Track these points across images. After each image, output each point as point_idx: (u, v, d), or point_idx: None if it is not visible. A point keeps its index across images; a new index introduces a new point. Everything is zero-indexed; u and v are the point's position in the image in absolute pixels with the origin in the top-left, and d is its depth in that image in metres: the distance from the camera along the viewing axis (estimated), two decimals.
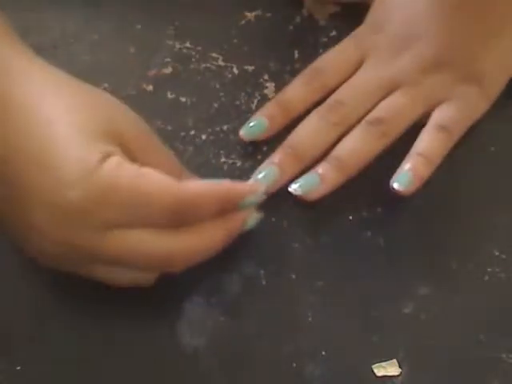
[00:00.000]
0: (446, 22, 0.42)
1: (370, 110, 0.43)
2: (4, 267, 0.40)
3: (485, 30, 0.43)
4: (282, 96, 0.44)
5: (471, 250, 0.41)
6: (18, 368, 0.37)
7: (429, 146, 0.42)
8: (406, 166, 0.41)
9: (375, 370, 0.38)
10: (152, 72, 0.45)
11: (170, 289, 0.39)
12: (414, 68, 0.43)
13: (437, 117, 0.43)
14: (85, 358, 0.37)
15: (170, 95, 0.45)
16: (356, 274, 0.40)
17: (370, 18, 0.45)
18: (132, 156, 0.35)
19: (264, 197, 0.39)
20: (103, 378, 0.37)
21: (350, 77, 0.44)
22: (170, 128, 0.44)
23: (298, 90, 0.44)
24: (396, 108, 0.42)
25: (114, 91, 0.43)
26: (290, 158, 0.42)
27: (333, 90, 0.43)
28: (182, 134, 0.44)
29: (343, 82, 0.44)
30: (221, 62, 0.46)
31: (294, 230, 0.41)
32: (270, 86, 0.45)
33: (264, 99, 0.45)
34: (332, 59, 0.45)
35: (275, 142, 0.43)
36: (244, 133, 0.43)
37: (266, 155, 0.43)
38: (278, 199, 0.42)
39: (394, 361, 0.38)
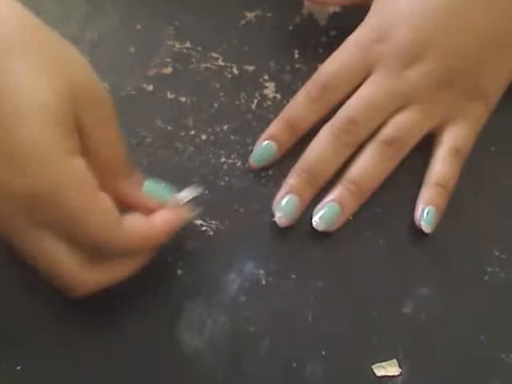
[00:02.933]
0: (457, 36, 0.42)
1: (380, 126, 0.42)
2: (4, 267, 0.40)
3: (493, 46, 0.42)
4: (288, 114, 0.42)
5: (471, 250, 0.41)
6: (18, 368, 0.37)
7: (445, 173, 0.41)
8: (427, 200, 0.41)
9: (375, 370, 0.38)
10: (152, 72, 0.45)
11: (170, 289, 0.39)
12: (427, 84, 0.42)
13: (450, 139, 0.42)
14: (85, 358, 0.37)
15: (169, 95, 0.45)
16: (356, 274, 0.40)
17: (373, 20, 0.43)
18: (82, 125, 0.34)
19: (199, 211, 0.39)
20: (103, 378, 0.37)
21: (355, 89, 0.42)
22: (169, 128, 0.44)
23: (304, 108, 0.42)
24: (409, 126, 0.42)
25: (114, 91, 0.44)
26: (306, 183, 0.41)
27: (340, 103, 0.42)
28: (182, 134, 0.44)
29: (349, 95, 0.42)
30: (221, 62, 0.46)
31: (293, 230, 0.41)
32: (270, 85, 0.45)
33: (264, 99, 0.45)
34: (337, 72, 0.42)
35: None
36: (254, 160, 0.42)
37: None
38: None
39: (394, 361, 0.38)
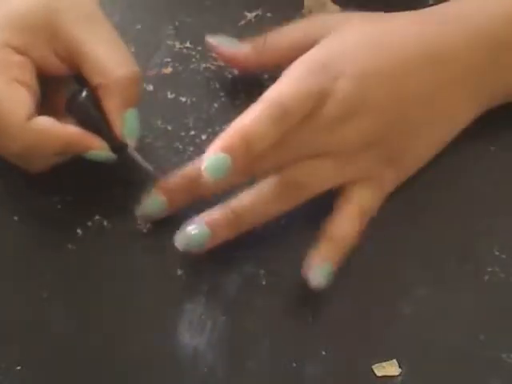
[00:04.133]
0: (393, 100, 0.40)
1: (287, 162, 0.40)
2: (4, 267, 0.40)
3: (425, 117, 0.41)
4: (249, 137, 0.38)
5: (471, 250, 0.41)
6: (18, 368, 0.37)
7: (344, 229, 0.40)
8: (319, 254, 0.39)
9: (375, 370, 0.38)
10: (152, 72, 0.45)
11: (170, 289, 0.39)
12: (354, 142, 0.40)
13: (359, 198, 0.40)
14: (85, 358, 0.37)
15: (169, 95, 0.45)
16: (356, 274, 0.40)
17: (325, 50, 0.41)
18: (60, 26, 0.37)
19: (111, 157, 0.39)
20: (103, 378, 0.37)
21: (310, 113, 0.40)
22: (169, 128, 0.44)
23: (266, 131, 0.38)
24: (320, 175, 0.40)
25: None
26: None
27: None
28: (182, 133, 0.44)
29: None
30: (221, 62, 0.46)
31: (293, 230, 0.41)
32: (270, 85, 0.45)
33: None
34: (298, 98, 0.39)
35: None
36: (208, 171, 0.37)
37: None
38: None
39: (394, 361, 0.38)
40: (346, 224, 0.40)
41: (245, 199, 0.39)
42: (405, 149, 0.41)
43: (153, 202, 0.40)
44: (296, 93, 0.39)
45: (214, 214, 0.39)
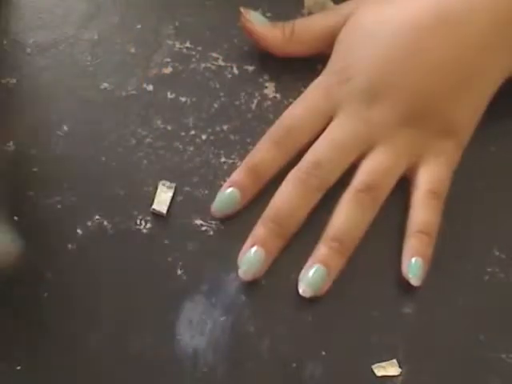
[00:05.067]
0: (419, 74, 0.41)
1: (347, 169, 0.41)
2: (4, 267, 0.40)
3: (455, 80, 0.41)
4: (251, 160, 0.41)
5: (471, 250, 0.41)
6: (18, 368, 0.37)
7: (426, 218, 0.40)
8: (412, 250, 0.39)
9: (375, 370, 0.38)
10: (152, 72, 0.45)
11: (170, 289, 0.39)
12: (389, 122, 0.41)
13: (425, 182, 0.41)
14: (85, 358, 0.37)
15: (169, 95, 0.45)
16: (356, 274, 0.40)
17: (334, 67, 0.43)
18: None
19: None
20: (103, 377, 0.37)
21: (320, 132, 0.41)
22: (169, 128, 0.44)
23: (267, 153, 0.41)
24: (381, 169, 0.40)
25: (114, 91, 0.44)
26: (272, 234, 0.39)
27: (305, 148, 0.41)
28: (182, 133, 0.44)
29: (315, 139, 0.41)
30: (221, 62, 0.46)
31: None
32: (270, 85, 0.45)
33: (264, 99, 0.45)
34: (300, 115, 0.42)
35: None
36: (216, 209, 0.40)
37: None
38: None
39: (394, 361, 0.38)
40: (423, 212, 0.40)
41: (339, 226, 0.40)
42: (449, 116, 0.41)
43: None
44: (297, 111, 0.42)
45: (319, 250, 0.39)
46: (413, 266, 0.39)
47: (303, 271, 0.39)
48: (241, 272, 0.39)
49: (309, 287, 0.38)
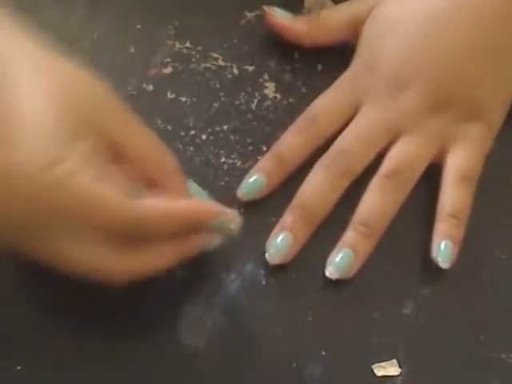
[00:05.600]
0: (444, 59, 0.41)
1: (375, 157, 0.41)
2: (4, 267, 0.40)
3: (480, 65, 0.41)
4: (277, 149, 0.42)
5: (471, 250, 0.41)
6: (18, 368, 0.37)
7: (457, 202, 0.40)
8: (442, 234, 0.40)
9: (375, 370, 0.38)
10: (152, 72, 0.45)
11: (170, 289, 0.39)
12: (416, 109, 0.41)
13: (455, 165, 0.41)
14: (85, 358, 0.37)
15: (169, 95, 0.45)
16: (356, 274, 0.40)
17: (360, 58, 0.43)
18: (112, 142, 0.34)
19: (238, 226, 0.37)
20: (103, 377, 0.37)
21: (346, 122, 0.42)
22: (169, 128, 0.44)
23: (293, 141, 0.42)
24: (408, 155, 0.41)
25: (113, 91, 0.44)
26: (301, 221, 0.40)
27: (330, 139, 0.42)
28: (182, 133, 0.44)
29: (340, 129, 0.42)
30: (221, 62, 0.46)
31: None
32: (270, 85, 0.45)
33: (264, 99, 0.45)
34: (327, 106, 0.43)
35: (275, 141, 0.43)
36: (242, 193, 0.41)
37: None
38: (277, 199, 0.42)
39: (394, 361, 0.38)
40: (453, 196, 0.41)
41: (366, 211, 0.40)
42: (476, 100, 0.42)
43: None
44: (323, 101, 0.43)
45: (347, 234, 0.40)
46: (442, 250, 0.39)
47: (331, 255, 0.40)
48: (268, 256, 0.39)
49: (336, 270, 0.39)
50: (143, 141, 0.36)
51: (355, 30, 0.44)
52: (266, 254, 0.39)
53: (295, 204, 0.41)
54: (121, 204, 0.33)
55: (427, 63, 0.41)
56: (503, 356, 0.38)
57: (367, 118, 0.42)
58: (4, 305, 0.39)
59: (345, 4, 0.46)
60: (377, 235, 0.40)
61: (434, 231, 0.40)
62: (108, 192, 0.33)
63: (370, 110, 0.42)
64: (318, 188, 0.40)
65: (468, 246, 0.41)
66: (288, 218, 0.40)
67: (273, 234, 0.40)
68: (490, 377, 0.38)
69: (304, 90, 0.45)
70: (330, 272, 0.39)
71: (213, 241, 0.37)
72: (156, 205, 0.34)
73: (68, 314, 0.38)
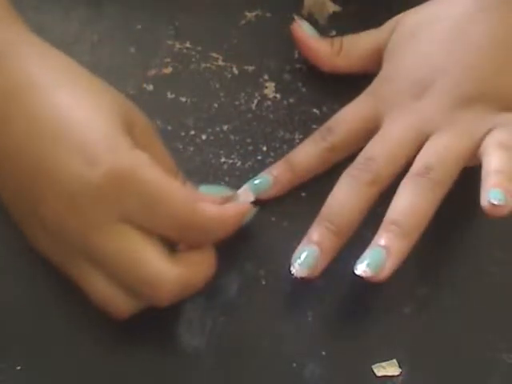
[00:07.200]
0: (463, 56, 0.41)
1: (405, 164, 0.39)
2: (4, 267, 0.40)
3: (502, 56, 0.41)
4: (290, 156, 0.42)
5: (471, 250, 0.41)
6: (18, 368, 0.37)
7: (502, 161, 0.37)
8: (492, 182, 0.36)
9: (375, 370, 0.38)
10: (152, 72, 0.45)
11: None
12: (443, 106, 0.40)
13: (495, 136, 0.39)
14: (85, 358, 0.37)
15: (169, 95, 0.45)
16: (356, 274, 0.40)
17: (383, 70, 0.43)
18: (137, 145, 0.35)
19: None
20: (103, 377, 0.37)
21: (367, 136, 0.41)
22: (170, 128, 0.44)
23: (306, 150, 0.42)
24: (439, 151, 0.39)
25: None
26: (329, 233, 0.38)
27: (347, 151, 0.41)
28: (182, 133, 0.44)
29: (357, 141, 0.41)
30: (221, 62, 0.46)
31: (293, 230, 0.41)
32: (270, 85, 0.45)
33: (264, 99, 0.45)
34: (346, 118, 0.42)
35: (275, 141, 0.43)
36: (250, 187, 0.41)
37: (266, 155, 0.43)
38: (278, 199, 0.42)
39: (394, 361, 0.38)
40: (497, 157, 0.37)
41: (397, 210, 0.38)
42: (503, 91, 0.41)
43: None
44: (341, 113, 0.42)
45: (381, 237, 0.37)
46: (494, 193, 0.36)
47: (363, 254, 0.37)
48: (293, 269, 0.38)
49: (368, 267, 0.36)
50: (162, 157, 0.37)
51: (377, 58, 0.44)
52: (292, 268, 0.38)
53: (322, 216, 0.39)
54: (186, 202, 0.34)
55: (448, 61, 0.41)
56: (503, 356, 0.38)
57: (393, 124, 0.41)
58: (4, 305, 0.39)
59: (365, 33, 0.45)
60: (413, 236, 0.37)
61: (483, 185, 0.37)
62: (178, 187, 0.34)
63: (395, 115, 0.41)
64: (345, 198, 0.39)
65: (468, 246, 0.41)
66: (315, 229, 0.39)
67: (299, 247, 0.38)
68: (490, 377, 0.38)
69: (304, 90, 0.45)
70: (363, 270, 0.36)
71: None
72: (213, 209, 0.35)
73: (68, 314, 0.38)
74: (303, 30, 0.45)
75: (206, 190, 0.39)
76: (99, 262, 0.34)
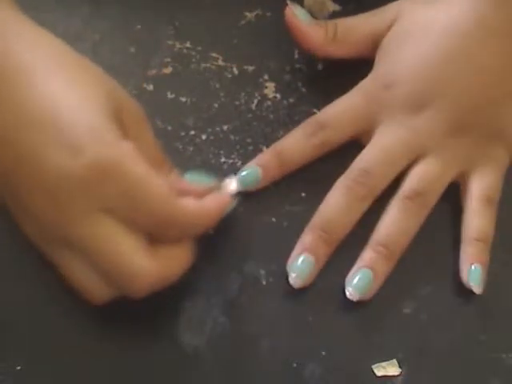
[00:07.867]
0: (462, 80, 0.40)
1: (395, 177, 0.41)
2: (4, 267, 0.40)
3: (501, 87, 0.41)
4: (279, 146, 0.42)
5: None
6: (18, 368, 0.37)
7: (482, 226, 0.40)
8: (472, 258, 0.39)
9: (375, 370, 0.38)
10: (152, 72, 0.45)
11: (170, 288, 0.39)
12: (436, 132, 0.40)
13: (478, 188, 0.41)
14: (85, 357, 0.37)
15: (169, 95, 0.45)
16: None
17: (377, 70, 0.43)
18: (125, 132, 0.35)
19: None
20: (103, 377, 0.37)
21: (356, 133, 0.42)
22: (170, 128, 0.44)
23: (297, 143, 0.42)
24: (431, 177, 0.40)
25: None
26: (322, 241, 0.39)
27: (335, 147, 0.42)
28: (182, 133, 0.44)
29: (347, 139, 0.42)
30: (221, 62, 0.46)
31: (293, 230, 0.41)
32: (270, 85, 0.45)
33: (264, 99, 0.45)
34: (337, 114, 0.42)
35: (275, 141, 0.43)
36: (238, 184, 0.41)
37: None
38: (277, 200, 0.42)
39: (394, 361, 0.38)
40: (478, 219, 0.40)
41: (386, 232, 0.40)
42: (497, 123, 0.41)
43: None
44: (334, 110, 0.42)
45: (366, 254, 0.39)
46: (473, 274, 0.39)
47: (350, 275, 0.39)
48: (291, 279, 0.39)
49: (356, 291, 0.38)
50: (150, 142, 0.37)
51: (373, 45, 0.43)
52: (289, 278, 0.39)
53: (315, 223, 0.40)
54: (167, 200, 0.34)
55: (447, 83, 0.40)
56: (503, 356, 0.38)
57: (389, 137, 0.41)
58: (4, 305, 0.39)
59: (363, 16, 0.44)
60: (396, 257, 0.39)
61: (462, 255, 0.40)
62: (159, 184, 0.34)
63: (391, 129, 0.41)
64: (338, 208, 0.40)
65: None
66: (308, 237, 0.40)
67: (294, 254, 0.39)
68: (490, 377, 0.38)
69: (304, 90, 0.45)
70: (350, 293, 0.38)
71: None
72: (193, 205, 0.35)
73: (68, 314, 0.38)
74: (295, 14, 0.44)
75: (190, 177, 0.39)
76: (78, 250, 0.34)
